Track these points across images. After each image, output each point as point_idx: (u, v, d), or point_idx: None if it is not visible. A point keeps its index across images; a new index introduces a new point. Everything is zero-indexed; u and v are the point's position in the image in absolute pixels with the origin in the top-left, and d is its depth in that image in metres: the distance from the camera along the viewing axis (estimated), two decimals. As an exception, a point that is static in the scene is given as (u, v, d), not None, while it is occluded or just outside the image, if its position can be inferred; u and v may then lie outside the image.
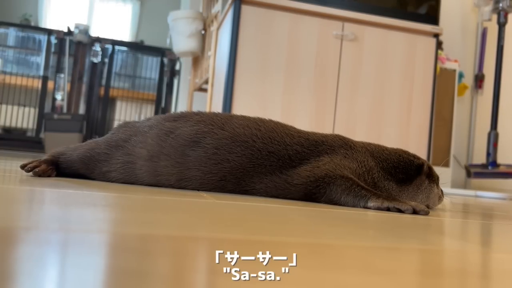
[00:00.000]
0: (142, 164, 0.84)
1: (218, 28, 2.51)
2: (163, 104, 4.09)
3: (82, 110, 3.95)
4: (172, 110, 4.01)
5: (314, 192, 0.81)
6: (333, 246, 0.38)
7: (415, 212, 0.75)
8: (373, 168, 0.88)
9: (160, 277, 0.24)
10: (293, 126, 0.93)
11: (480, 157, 2.98)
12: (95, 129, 3.90)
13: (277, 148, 0.84)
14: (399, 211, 0.75)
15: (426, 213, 0.76)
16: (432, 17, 2.39)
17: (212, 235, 0.38)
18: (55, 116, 3.58)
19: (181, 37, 2.93)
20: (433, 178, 0.93)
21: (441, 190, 0.96)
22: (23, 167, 0.85)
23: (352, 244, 0.40)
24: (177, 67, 4.05)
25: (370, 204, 0.77)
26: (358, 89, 2.27)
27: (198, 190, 0.84)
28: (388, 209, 0.76)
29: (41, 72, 3.91)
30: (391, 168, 0.89)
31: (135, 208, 0.52)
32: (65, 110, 3.84)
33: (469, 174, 2.83)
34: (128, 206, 0.53)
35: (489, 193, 2.50)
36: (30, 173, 0.84)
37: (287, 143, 0.85)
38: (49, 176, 0.85)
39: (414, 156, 0.94)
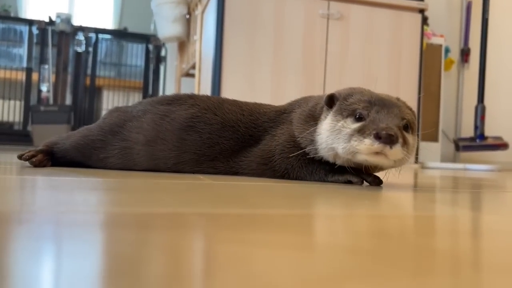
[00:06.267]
0: (139, 149, 0.86)
1: (202, 12, 2.49)
2: (150, 92, 4.06)
3: (68, 101, 3.90)
4: (160, 97, 3.98)
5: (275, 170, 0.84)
6: (326, 215, 0.40)
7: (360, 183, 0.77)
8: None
9: (165, 246, 0.25)
10: (271, 104, 0.96)
11: (468, 131, 3.03)
12: (83, 119, 3.87)
13: (254, 131, 0.87)
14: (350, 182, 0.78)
15: (357, 183, 0.76)
16: (417, -8, 2.39)
17: (213, 211, 0.39)
18: (42, 108, 3.54)
19: (165, 22, 2.90)
20: (335, 107, 0.76)
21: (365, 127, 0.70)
22: (20, 156, 0.85)
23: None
24: (162, 53, 4.01)
25: (330, 179, 0.79)
26: (346, 68, 2.28)
27: (194, 172, 0.86)
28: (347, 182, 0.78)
29: (25, 64, 3.84)
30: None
31: (136, 190, 0.53)
32: (51, 101, 3.79)
33: (457, 148, 2.87)
34: (130, 189, 0.54)
35: (477, 166, 2.55)
36: (27, 163, 0.84)
37: (259, 124, 0.88)
38: (44, 166, 0.86)
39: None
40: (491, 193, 0.80)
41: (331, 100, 0.77)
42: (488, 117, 2.88)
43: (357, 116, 0.71)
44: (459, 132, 3.13)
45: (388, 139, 0.65)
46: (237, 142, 0.86)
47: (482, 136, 2.81)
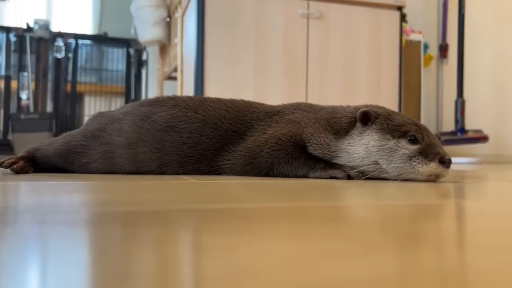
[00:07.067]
0: (121, 152, 0.85)
1: (183, 15, 2.49)
2: (132, 96, 4.03)
3: (49, 108, 3.85)
4: (143, 101, 3.95)
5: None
6: (311, 207, 0.40)
7: (334, 177, 0.78)
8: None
9: (151, 239, 0.25)
10: (263, 103, 0.95)
11: (449, 125, 3.08)
12: (65, 126, 3.81)
13: (239, 127, 0.87)
14: (335, 177, 0.79)
15: (343, 178, 0.78)
16: (394, -10, 2.43)
17: (198, 207, 0.39)
18: (22, 116, 3.49)
19: (145, 26, 2.89)
20: (378, 126, 0.79)
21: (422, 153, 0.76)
22: (0, 164, 0.84)
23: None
24: (144, 57, 3.99)
25: (313, 175, 0.81)
26: (327, 66, 2.30)
27: (178, 174, 0.85)
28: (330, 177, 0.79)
29: (3, 72, 3.78)
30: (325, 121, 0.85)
31: (120, 191, 0.53)
32: (32, 109, 3.74)
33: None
34: (113, 190, 0.54)
35: (459, 159, 2.60)
36: (8, 170, 0.83)
37: (247, 121, 0.88)
38: (26, 172, 0.85)
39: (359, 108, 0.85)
40: (473, 183, 0.81)
41: (365, 117, 0.81)
42: (468, 111, 2.93)
43: (410, 138, 0.78)
44: (441, 126, 3.18)
45: (450, 164, 0.76)
46: (219, 140, 0.86)
47: (462, 130, 2.86)
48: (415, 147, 0.76)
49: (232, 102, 0.92)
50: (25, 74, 3.78)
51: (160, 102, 0.90)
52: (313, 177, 0.80)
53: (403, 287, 0.17)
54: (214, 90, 2.08)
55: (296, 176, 0.81)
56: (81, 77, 4.03)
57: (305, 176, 0.81)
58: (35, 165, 0.88)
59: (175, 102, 0.89)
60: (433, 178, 0.76)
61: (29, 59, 3.78)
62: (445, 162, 0.75)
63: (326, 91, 2.29)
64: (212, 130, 0.86)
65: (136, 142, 0.84)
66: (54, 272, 0.19)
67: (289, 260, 0.21)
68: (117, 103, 4.05)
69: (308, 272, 0.18)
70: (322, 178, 0.79)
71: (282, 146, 0.82)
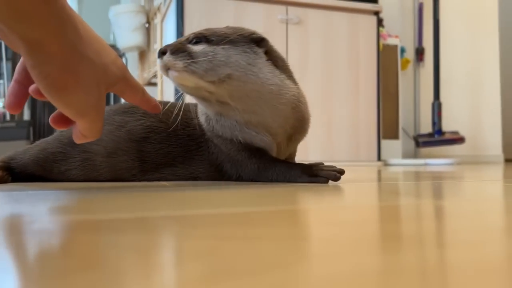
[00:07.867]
0: (101, 161, 0.85)
1: (162, 20, 2.48)
2: (112, 102, 3.99)
3: (26, 116, 3.78)
4: (123, 107, 3.92)
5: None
6: (292, 211, 0.41)
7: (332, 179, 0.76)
8: None
9: (134, 245, 0.25)
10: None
11: (426, 127, 3.14)
12: (43, 135, 3.75)
13: (189, 130, 0.86)
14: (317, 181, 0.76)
15: (324, 181, 0.75)
16: (371, -5, 2.47)
17: (180, 213, 0.39)
18: (-2, 124, 3.43)
19: (124, 32, 2.87)
20: None
21: None
22: None
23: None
24: (123, 63, 3.96)
25: (299, 180, 0.78)
26: (307, 72, 2.32)
27: (158, 180, 0.85)
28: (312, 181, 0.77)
29: (-22, 80, 3.71)
30: None
31: (101, 199, 0.52)
32: (8, 117, 3.67)
33: (417, 144, 2.97)
34: (94, 198, 0.54)
35: (437, 160, 2.65)
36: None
37: (190, 124, 0.87)
38: (5, 182, 0.83)
39: None
40: (451, 183, 0.83)
41: None
42: (444, 113, 2.99)
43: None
44: (418, 128, 3.24)
45: (159, 53, 0.76)
46: (183, 148, 0.85)
47: (440, 132, 2.92)
48: None
49: (175, 105, 0.92)
50: (1, 81, 3.71)
51: (131, 109, 0.89)
52: (300, 181, 0.79)
53: (384, 284, 0.18)
54: (194, 95, 2.07)
55: (278, 180, 0.81)
56: (59, 84, 3.97)
57: (284, 180, 0.80)
58: (12, 174, 0.86)
59: (144, 110, 0.89)
60: (178, 75, 0.75)
61: (4, 66, 3.71)
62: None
63: (305, 95, 2.31)
64: (177, 139, 0.85)
65: (115, 152, 0.84)
66: (34, 281, 0.19)
67: (272, 262, 0.21)
68: (96, 110, 3.99)
69: (291, 273, 0.19)
70: (305, 182, 0.79)
71: (239, 156, 0.82)
